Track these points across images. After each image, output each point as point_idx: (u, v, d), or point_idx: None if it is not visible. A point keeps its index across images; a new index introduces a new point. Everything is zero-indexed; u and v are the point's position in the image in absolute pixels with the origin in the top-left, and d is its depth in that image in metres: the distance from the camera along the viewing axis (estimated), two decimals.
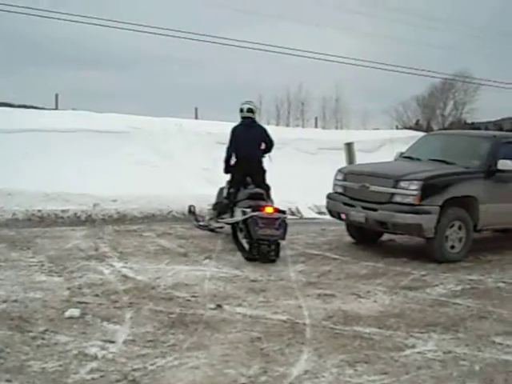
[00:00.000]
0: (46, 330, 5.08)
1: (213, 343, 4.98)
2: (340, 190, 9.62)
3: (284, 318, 5.73)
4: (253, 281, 7.17)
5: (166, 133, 17.03)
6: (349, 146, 15.83)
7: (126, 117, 17.83)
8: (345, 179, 9.56)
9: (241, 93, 51.14)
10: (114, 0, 49.67)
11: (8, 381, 4.05)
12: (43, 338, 4.89)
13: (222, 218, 9.80)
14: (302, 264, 8.21)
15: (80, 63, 61.25)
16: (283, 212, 8.56)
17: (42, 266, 7.45)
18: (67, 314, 5.51)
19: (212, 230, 10.41)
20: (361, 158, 14.48)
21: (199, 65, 62.11)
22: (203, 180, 14.66)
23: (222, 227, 10.23)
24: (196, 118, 22.18)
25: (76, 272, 7.17)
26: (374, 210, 8.73)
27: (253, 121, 9.87)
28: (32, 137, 14.49)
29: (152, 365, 4.45)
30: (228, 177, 10.01)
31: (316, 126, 30.83)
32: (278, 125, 38.91)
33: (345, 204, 9.33)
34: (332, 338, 5.24)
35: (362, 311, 6.09)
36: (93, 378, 4.16)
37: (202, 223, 10.86)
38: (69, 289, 6.42)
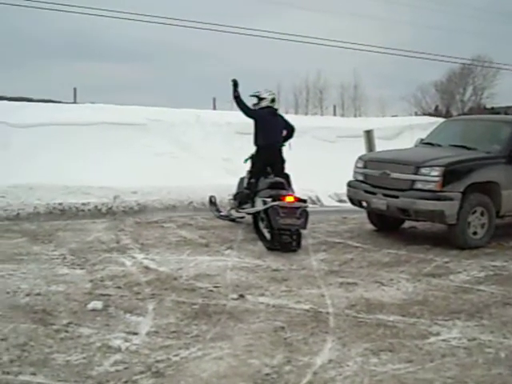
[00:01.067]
0: (70, 323, 5.09)
1: (236, 333, 4.97)
2: (361, 177, 9.57)
3: (307, 307, 5.71)
4: (275, 270, 7.15)
5: (184, 124, 17.04)
6: (368, 134, 15.73)
7: (145, 109, 17.85)
8: (365, 167, 9.50)
9: (259, 82, 51.15)
10: None
11: (32, 374, 4.07)
12: (67, 331, 4.91)
13: (243, 208, 9.78)
14: (324, 252, 8.18)
15: (97, 57, 61.50)
16: (304, 201, 8.51)
17: (64, 258, 7.48)
18: (90, 306, 5.52)
19: (233, 220, 10.41)
20: (380, 146, 14.38)
21: (216, 55, 62.17)
22: (223, 170, 14.65)
23: (242, 217, 10.22)
24: (214, 108, 22.14)
25: (98, 264, 7.20)
26: (396, 197, 8.67)
27: (275, 110, 9.84)
28: (52, 131, 14.56)
29: (175, 356, 4.45)
30: (248, 166, 9.97)
31: (335, 114, 30.74)
32: (296, 113, 38.78)
33: (366, 192, 9.28)
34: (355, 326, 5.21)
35: (385, 299, 6.05)
36: (117, 370, 4.17)
37: (222, 213, 10.85)
38: (91, 281, 6.44)
